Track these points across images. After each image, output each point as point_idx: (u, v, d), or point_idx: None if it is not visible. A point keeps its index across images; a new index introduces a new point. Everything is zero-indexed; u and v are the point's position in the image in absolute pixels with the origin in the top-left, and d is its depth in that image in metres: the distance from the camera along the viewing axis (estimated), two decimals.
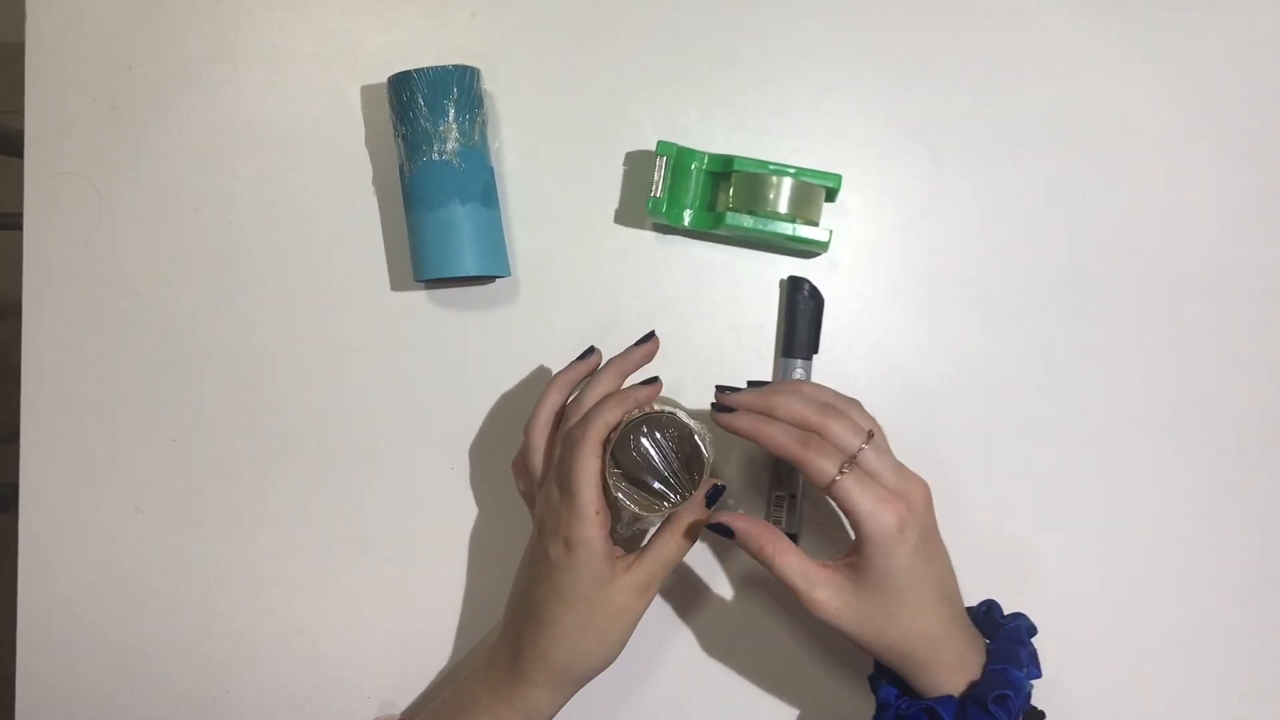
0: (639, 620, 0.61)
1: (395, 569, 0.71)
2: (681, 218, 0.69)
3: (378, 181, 0.72)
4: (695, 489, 0.61)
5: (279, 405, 0.72)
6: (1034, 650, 0.60)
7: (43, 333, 0.72)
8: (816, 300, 0.70)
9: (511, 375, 0.72)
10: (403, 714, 0.70)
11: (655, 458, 0.62)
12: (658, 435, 0.62)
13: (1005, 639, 0.60)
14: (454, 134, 0.66)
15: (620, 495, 0.61)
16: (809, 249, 0.70)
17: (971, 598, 0.62)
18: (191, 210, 0.72)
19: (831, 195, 0.69)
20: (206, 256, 0.72)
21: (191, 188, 0.72)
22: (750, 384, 0.63)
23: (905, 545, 0.55)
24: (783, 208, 0.67)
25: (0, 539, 0.89)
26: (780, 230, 0.67)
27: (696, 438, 0.62)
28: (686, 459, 0.62)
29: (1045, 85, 0.71)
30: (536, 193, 0.72)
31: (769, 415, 0.59)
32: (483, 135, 0.68)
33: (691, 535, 0.61)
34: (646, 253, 0.72)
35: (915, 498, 0.56)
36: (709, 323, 0.71)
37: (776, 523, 0.70)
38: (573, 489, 0.60)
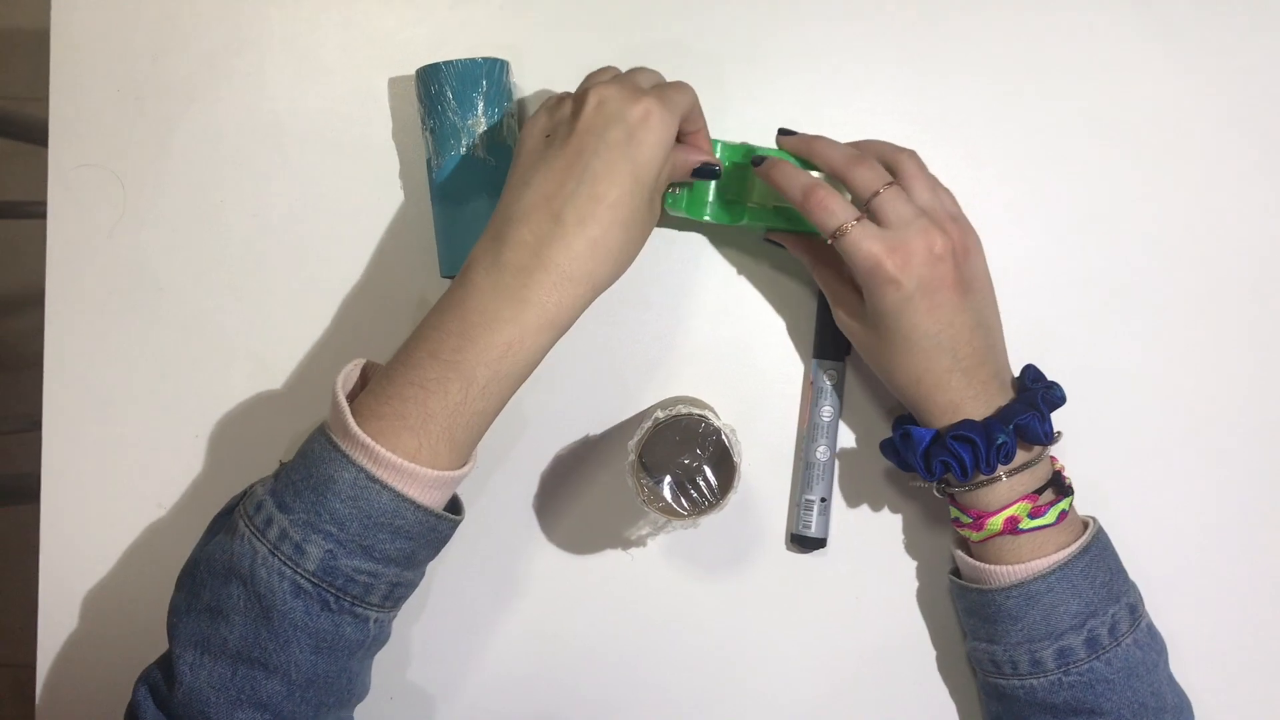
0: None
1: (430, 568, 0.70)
2: (702, 211, 0.67)
3: (405, 175, 0.71)
4: (725, 494, 0.60)
5: (302, 402, 0.71)
6: (1044, 416, 0.60)
7: (65, 325, 0.71)
8: None
9: (535, 374, 0.70)
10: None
11: (686, 461, 0.61)
12: (689, 439, 0.61)
13: (1017, 401, 0.61)
14: (482, 128, 0.65)
15: (649, 499, 0.60)
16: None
17: None
18: (216, 203, 0.71)
19: None
20: (230, 250, 0.71)
21: (216, 180, 0.71)
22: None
23: (898, 293, 0.58)
24: None
25: (21, 530, 0.89)
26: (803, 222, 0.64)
27: (726, 441, 0.61)
28: (717, 462, 0.61)
29: (1082, 84, 0.70)
30: None
31: (809, 155, 0.63)
32: (511, 129, 0.67)
33: (678, 165, 0.62)
34: (678, 250, 0.71)
35: (918, 250, 0.58)
36: (739, 322, 0.70)
37: (805, 529, 0.69)
38: (673, 92, 0.59)
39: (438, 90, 0.65)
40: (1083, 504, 0.65)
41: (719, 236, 0.70)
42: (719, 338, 0.70)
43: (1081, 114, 0.70)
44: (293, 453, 0.58)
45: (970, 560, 0.63)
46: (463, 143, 0.65)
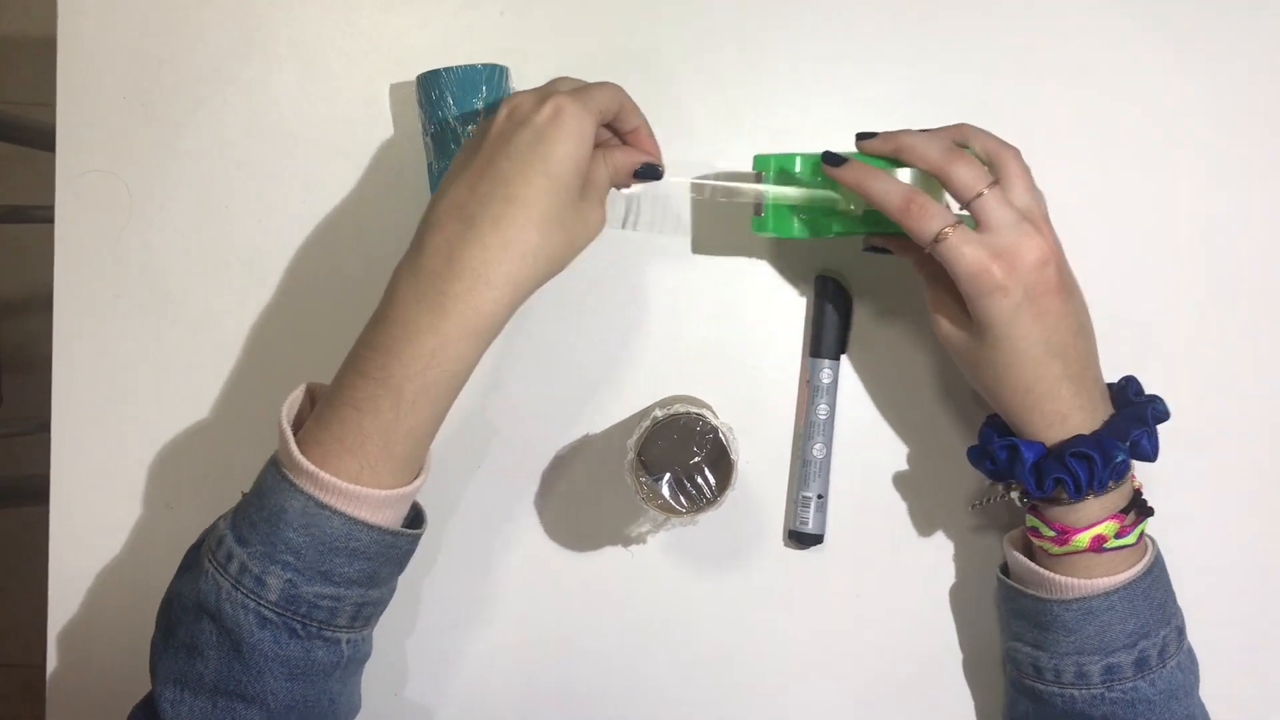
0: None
1: (422, 566, 0.71)
2: (790, 229, 0.63)
3: (407, 179, 0.72)
4: (723, 491, 0.61)
5: None
6: (1153, 432, 0.59)
7: (74, 328, 0.72)
8: (845, 299, 0.70)
9: (533, 374, 0.72)
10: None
11: (684, 459, 0.61)
12: (687, 438, 0.62)
13: (1125, 416, 0.59)
14: None
15: (647, 497, 0.61)
16: None
17: None
18: (222, 207, 0.72)
19: None
20: (237, 253, 0.72)
21: (222, 185, 0.72)
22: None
23: (1006, 301, 0.56)
24: None
25: (30, 531, 0.90)
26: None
27: (723, 439, 0.62)
28: (714, 460, 0.62)
29: (1081, 89, 0.70)
30: None
31: (898, 152, 0.59)
32: None
33: (617, 169, 0.60)
34: (675, 252, 0.71)
35: (1024, 256, 0.56)
36: (736, 322, 0.71)
37: (802, 525, 0.70)
38: (591, 91, 0.58)
39: (439, 95, 0.66)
40: None
41: (711, 236, 0.71)
42: (716, 337, 0.71)
43: (1080, 115, 0.70)
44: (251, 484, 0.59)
45: (1032, 565, 0.62)
46: None
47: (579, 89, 0.58)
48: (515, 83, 0.70)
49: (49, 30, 0.73)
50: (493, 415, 0.71)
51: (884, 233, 0.63)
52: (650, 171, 0.61)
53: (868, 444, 0.71)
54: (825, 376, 0.69)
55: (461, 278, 0.54)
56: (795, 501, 0.70)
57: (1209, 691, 0.63)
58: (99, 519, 0.72)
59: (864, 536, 0.71)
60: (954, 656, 0.71)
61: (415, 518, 0.61)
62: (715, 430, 0.62)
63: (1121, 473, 0.58)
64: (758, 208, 0.64)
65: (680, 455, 0.62)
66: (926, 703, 0.71)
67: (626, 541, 0.71)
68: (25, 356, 1.63)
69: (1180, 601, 0.63)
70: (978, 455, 0.63)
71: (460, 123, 0.66)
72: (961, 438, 0.70)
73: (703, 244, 0.71)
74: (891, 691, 0.71)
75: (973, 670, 0.70)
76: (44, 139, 1.24)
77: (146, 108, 0.72)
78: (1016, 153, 0.59)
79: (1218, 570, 0.70)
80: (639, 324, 0.71)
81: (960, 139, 0.60)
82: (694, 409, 0.64)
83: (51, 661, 0.73)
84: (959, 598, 0.71)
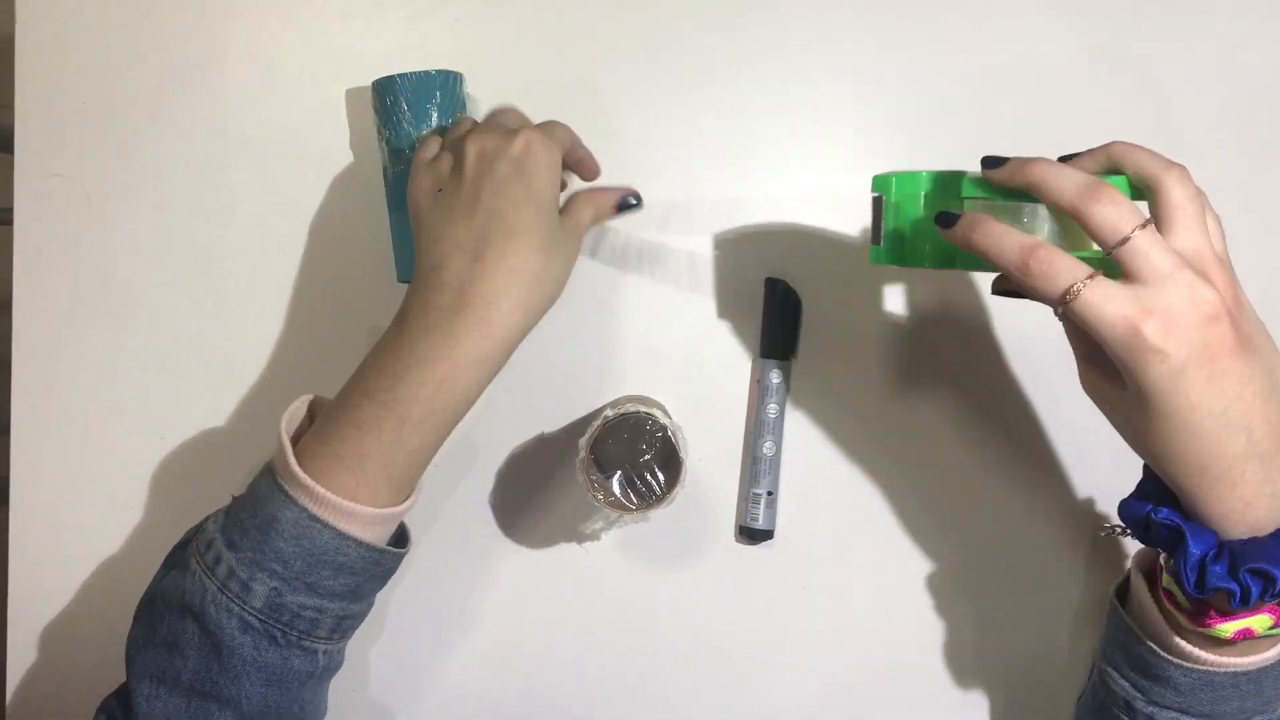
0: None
1: None
2: (923, 257, 0.54)
3: (362, 184, 0.73)
4: (672, 488, 0.63)
5: (267, 403, 0.73)
6: None
7: (34, 331, 0.73)
8: (794, 303, 0.71)
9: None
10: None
11: (635, 457, 0.63)
12: (638, 436, 0.63)
13: None
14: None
15: (599, 494, 0.63)
16: None
17: None
18: (181, 212, 0.73)
19: None
20: (195, 257, 0.73)
21: (180, 189, 0.73)
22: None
23: (1165, 367, 0.46)
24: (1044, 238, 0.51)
25: None
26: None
27: (672, 437, 0.63)
28: (665, 458, 0.63)
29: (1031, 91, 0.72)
30: None
31: (1029, 188, 0.49)
32: None
33: (600, 207, 0.65)
34: (628, 251, 0.73)
35: (1186, 311, 0.46)
36: (688, 323, 0.73)
37: (752, 521, 0.71)
38: (551, 126, 0.63)
39: (393, 101, 0.67)
40: None
41: (667, 235, 0.73)
42: (670, 338, 0.73)
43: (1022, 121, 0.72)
44: (245, 486, 0.60)
45: (1163, 624, 0.54)
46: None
47: (539, 125, 0.62)
48: (470, 88, 0.71)
49: (6, 32, 0.73)
50: None
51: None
52: (628, 204, 0.66)
53: (816, 442, 0.72)
54: (775, 377, 0.71)
55: (473, 307, 0.56)
56: (746, 498, 0.72)
57: None
58: (59, 519, 0.73)
59: (812, 532, 0.72)
60: (900, 647, 0.72)
61: (400, 537, 0.63)
62: (665, 429, 0.63)
63: None
64: (876, 235, 0.56)
65: (630, 453, 0.63)
66: (873, 691, 0.72)
67: (581, 538, 0.72)
68: None
69: None
70: (1137, 521, 0.52)
71: (414, 127, 0.67)
72: (906, 437, 0.72)
73: (656, 246, 0.73)
74: (840, 681, 0.73)
75: (918, 661, 0.72)
76: (4, 142, 1.24)
77: (105, 113, 0.73)
78: (1182, 174, 0.49)
79: None
80: (594, 325, 0.73)
81: (1112, 163, 0.51)
82: (644, 408, 0.65)
83: (11, 664, 0.73)
84: (905, 591, 0.72)
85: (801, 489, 0.72)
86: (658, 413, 0.65)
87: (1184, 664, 0.54)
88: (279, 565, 0.55)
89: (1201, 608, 0.51)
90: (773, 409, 0.71)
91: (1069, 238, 0.52)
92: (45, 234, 0.73)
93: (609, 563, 0.73)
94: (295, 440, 0.58)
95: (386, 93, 0.67)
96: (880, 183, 0.56)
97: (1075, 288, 0.47)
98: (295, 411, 0.60)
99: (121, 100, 0.73)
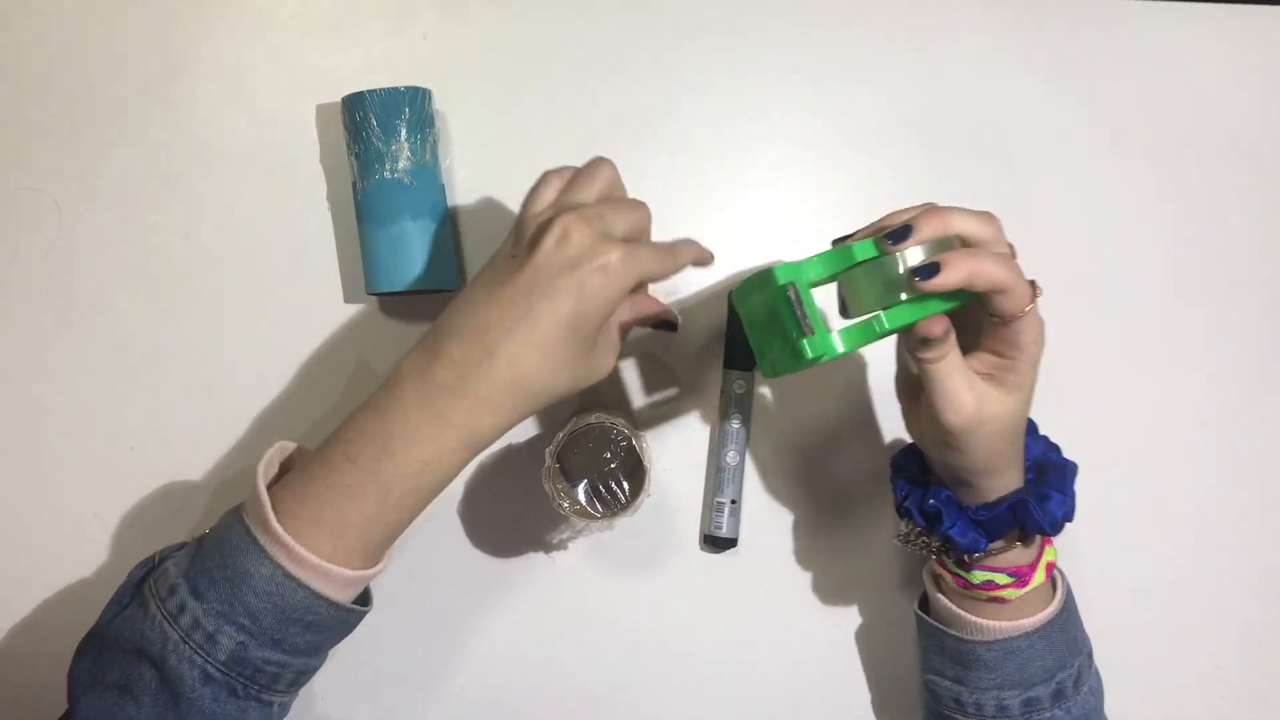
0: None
1: None
2: (832, 346, 0.55)
3: (332, 197, 0.74)
4: (636, 496, 0.64)
5: (235, 415, 0.73)
6: (1073, 494, 0.61)
7: (1, 343, 0.73)
8: None
9: None
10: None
11: (600, 466, 0.64)
12: (603, 445, 0.64)
13: (1052, 477, 0.62)
14: (405, 153, 0.68)
15: (565, 503, 0.64)
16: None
17: None
18: (150, 226, 0.73)
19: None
20: (164, 270, 0.73)
21: (150, 204, 0.73)
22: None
23: (1034, 371, 0.58)
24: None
25: None
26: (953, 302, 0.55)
27: (636, 446, 0.64)
28: (630, 467, 0.64)
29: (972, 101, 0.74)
30: (485, 209, 0.74)
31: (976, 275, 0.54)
32: (434, 154, 0.70)
33: (635, 316, 0.62)
34: None
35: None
36: (654, 335, 0.74)
37: (716, 530, 0.72)
38: (637, 213, 0.58)
39: (362, 117, 0.68)
40: None
41: None
42: (635, 349, 0.74)
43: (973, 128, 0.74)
44: (209, 529, 0.59)
45: (956, 610, 0.64)
46: (386, 167, 0.68)
47: (633, 247, 0.55)
48: (438, 104, 0.72)
49: None
50: None
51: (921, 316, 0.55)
52: (669, 325, 0.65)
53: (780, 451, 0.74)
54: (739, 388, 0.72)
55: (467, 398, 0.54)
56: (710, 506, 0.73)
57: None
58: (28, 529, 0.73)
59: (775, 540, 0.74)
60: (862, 653, 0.74)
61: (364, 595, 0.62)
62: (629, 438, 0.64)
63: (1071, 512, 0.60)
64: (805, 326, 0.55)
65: (596, 462, 0.64)
66: (835, 698, 0.74)
67: (549, 548, 0.73)
68: None
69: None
70: (925, 515, 0.62)
71: (384, 143, 0.68)
72: (867, 446, 0.73)
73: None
74: (803, 686, 0.74)
75: (880, 666, 0.74)
76: None
77: (75, 128, 0.73)
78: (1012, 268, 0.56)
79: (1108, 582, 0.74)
80: None
81: (945, 227, 0.56)
82: (609, 418, 0.66)
83: None
84: (866, 597, 0.74)
85: (765, 497, 0.74)
86: (623, 422, 0.66)
87: (985, 639, 0.63)
88: (248, 620, 0.54)
89: (1016, 573, 0.61)
90: (737, 419, 0.72)
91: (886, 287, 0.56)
92: (13, 248, 0.73)
93: (576, 571, 0.74)
94: (269, 487, 0.57)
95: (356, 108, 0.68)
96: (784, 273, 0.56)
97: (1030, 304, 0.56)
98: (271, 460, 0.59)
99: (90, 115, 0.74)
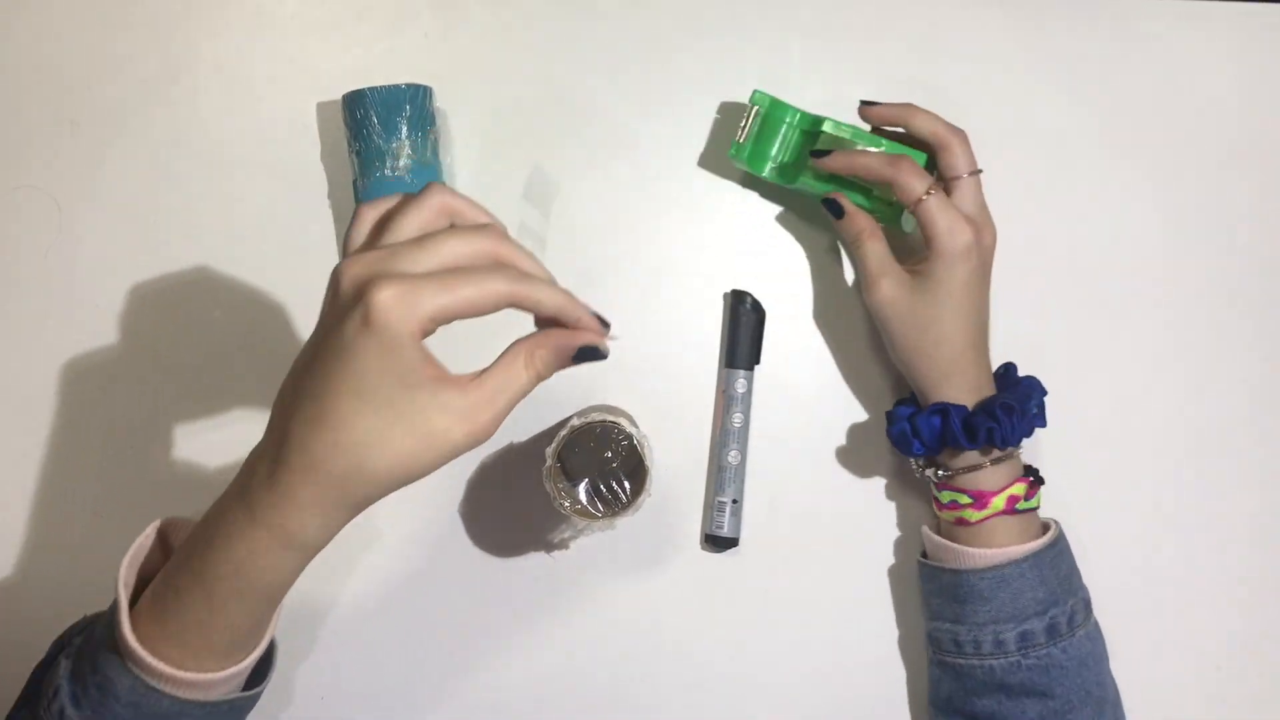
0: (457, 455, 0.46)
1: (354, 573, 0.73)
2: (764, 168, 0.71)
3: (333, 196, 0.74)
4: (638, 496, 0.64)
5: (236, 414, 0.73)
6: (1042, 404, 0.66)
7: (1, 341, 0.73)
8: (758, 313, 0.73)
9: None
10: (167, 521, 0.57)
11: (601, 465, 0.64)
12: (604, 445, 0.64)
13: (1017, 392, 0.66)
14: (406, 151, 0.69)
15: (566, 502, 0.63)
16: (888, 217, 0.70)
17: None
18: (150, 225, 0.73)
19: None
20: (165, 269, 0.73)
21: (150, 203, 0.73)
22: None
23: (967, 265, 0.64)
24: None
25: None
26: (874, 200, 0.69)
27: (637, 446, 0.64)
28: (631, 467, 0.64)
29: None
30: (486, 207, 0.74)
31: (904, 122, 0.66)
32: (434, 152, 0.70)
33: (546, 364, 0.48)
34: (592, 266, 0.74)
35: (986, 233, 0.65)
36: (655, 334, 0.74)
37: (718, 529, 0.72)
38: (464, 242, 0.46)
39: (363, 115, 0.68)
40: None
41: (633, 249, 0.74)
42: (636, 349, 0.74)
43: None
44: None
45: (946, 542, 0.67)
46: (387, 165, 0.68)
47: (410, 288, 0.43)
48: (439, 101, 0.72)
49: None
50: None
51: (841, 192, 0.69)
52: (591, 353, 0.50)
53: (781, 450, 0.74)
54: (740, 386, 0.72)
55: (274, 491, 0.46)
56: (711, 506, 0.73)
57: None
58: (28, 526, 0.73)
59: (777, 539, 0.73)
60: (863, 650, 0.73)
61: (265, 662, 0.55)
62: (630, 437, 0.64)
63: (1031, 429, 0.65)
64: (742, 132, 0.70)
65: (597, 461, 0.64)
66: (837, 697, 0.74)
67: (549, 547, 0.73)
68: None
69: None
70: (904, 431, 0.67)
71: (385, 141, 0.68)
72: (868, 446, 0.73)
73: (621, 258, 0.74)
74: (804, 687, 0.74)
75: (881, 666, 0.73)
76: None
77: (75, 127, 0.73)
78: (964, 140, 0.66)
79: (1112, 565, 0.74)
80: None
81: (906, 116, 0.66)
82: (610, 417, 0.66)
83: None
84: (868, 597, 0.74)
85: (766, 497, 0.74)
86: (624, 421, 0.66)
87: (978, 567, 0.65)
88: None
89: (977, 495, 0.64)
90: (738, 418, 0.72)
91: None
92: (14, 248, 0.73)
93: (577, 571, 0.73)
94: (149, 579, 0.52)
95: (357, 106, 0.68)
96: (759, 97, 0.70)
97: (930, 190, 0.63)
98: (140, 548, 0.54)
99: (91, 115, 0.74)
